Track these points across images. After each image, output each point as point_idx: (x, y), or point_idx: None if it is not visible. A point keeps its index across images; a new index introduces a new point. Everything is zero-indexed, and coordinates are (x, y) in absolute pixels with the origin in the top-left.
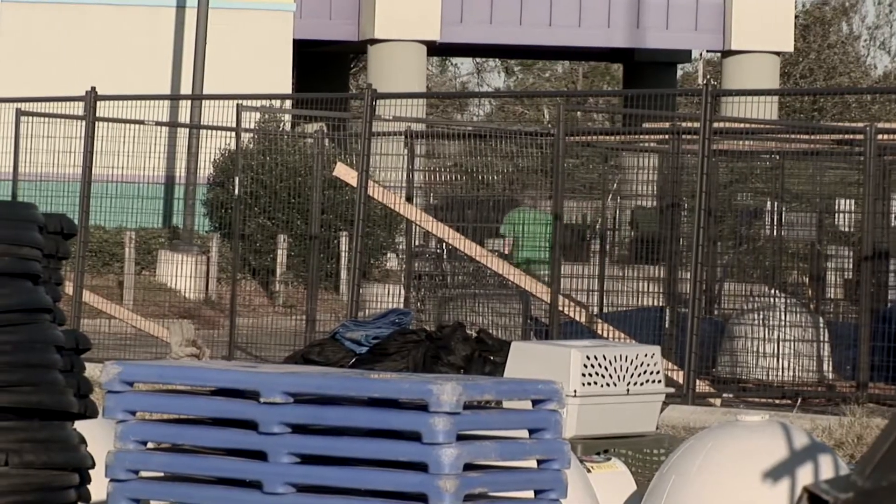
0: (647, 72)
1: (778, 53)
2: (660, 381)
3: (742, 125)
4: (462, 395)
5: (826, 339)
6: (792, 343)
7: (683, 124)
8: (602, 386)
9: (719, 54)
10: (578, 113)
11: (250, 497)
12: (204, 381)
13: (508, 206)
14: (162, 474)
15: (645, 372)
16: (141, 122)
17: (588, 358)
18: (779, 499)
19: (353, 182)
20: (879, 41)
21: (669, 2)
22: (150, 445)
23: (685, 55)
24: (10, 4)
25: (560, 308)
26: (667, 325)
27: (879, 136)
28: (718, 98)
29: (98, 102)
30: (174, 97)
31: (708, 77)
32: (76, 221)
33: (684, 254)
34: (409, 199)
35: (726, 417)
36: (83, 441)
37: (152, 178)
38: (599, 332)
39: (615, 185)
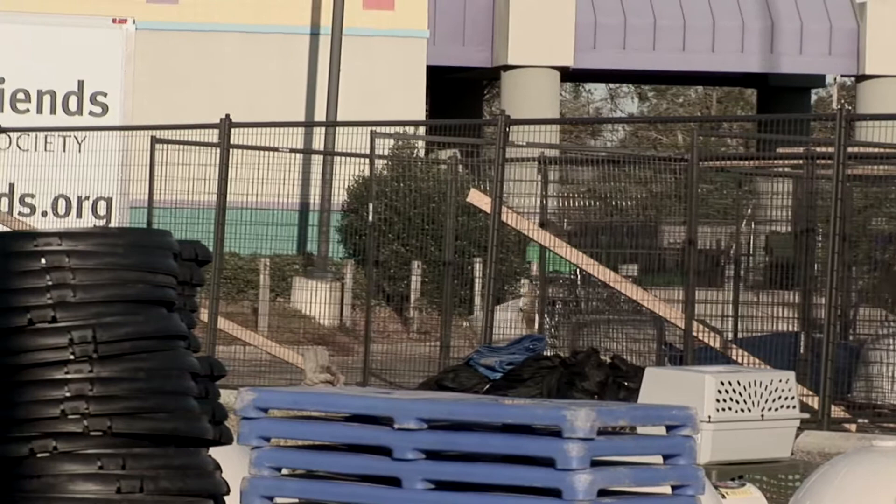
0: (781, 96)
1: None
2: (794, 407)
3: (877, 150)
4: (596, 421)
5: None
6: None
7: (818, 149)
8: (736, 412)
9: (853, 79)
10: (712, 138)
11: None
12: (338, 407)
13: (642, 231)
14: (296, 501)
15: (780, 397)
16: (275, 149)
17: (722, 384)
18: None
19: (487, 208)
20: None
21: (803, 27)
22: (284, 472)
23: (819, 80)
24: (144, 32)
25: (694, 334)
26: (801, 351)
27: None
28: (853, 122)
29: (232, 129)
30: (308, 124)
31: (842, 101)
32: (211, 248)
33: (819, 279)
34: (542, 225)
35: (861, 443)
36: (218, 467)
37: (287, 205)
38: (734, 357)
39: (749, 210)
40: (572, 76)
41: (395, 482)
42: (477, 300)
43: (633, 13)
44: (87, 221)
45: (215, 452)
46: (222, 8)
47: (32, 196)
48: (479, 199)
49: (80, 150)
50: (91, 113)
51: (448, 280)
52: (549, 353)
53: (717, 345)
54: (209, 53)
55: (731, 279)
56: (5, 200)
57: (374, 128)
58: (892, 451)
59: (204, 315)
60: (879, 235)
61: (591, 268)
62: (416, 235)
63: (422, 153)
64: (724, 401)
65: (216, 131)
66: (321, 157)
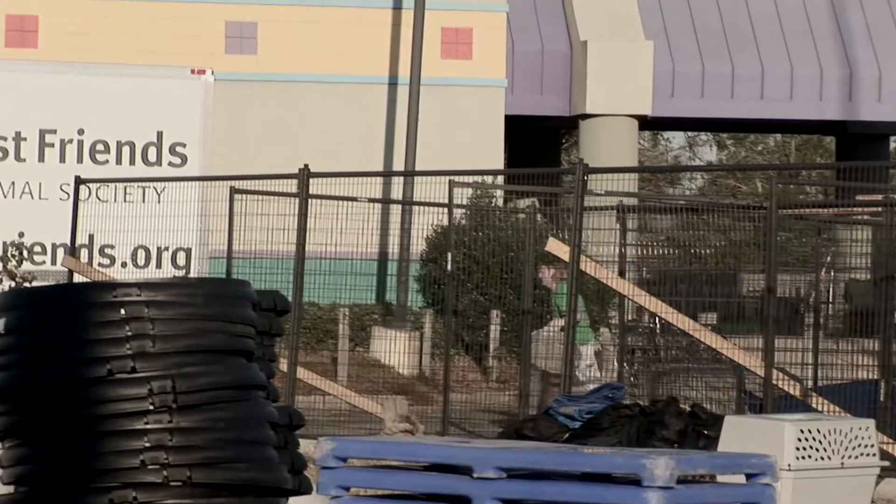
0: (859, 144)
1: None
2: (874, 455)
3: None
4: (675, 470)
5: None
6: None
7: None
8: (816, 460)
9: None
10: (791, 185)
11: None
12: (417, 456)
13: (722, 279)
14: None
15: (859, 445)
16: (354, 199)
17: (802, 432)
18: None
19: (566, 257)
20: None
21: (882, 75)
22: None
23: None
24: (223, 83)
25: (774, 382)
26: (881, 398)
27: None
28: None
29: (311, 179)
30: (387, 174)
31: None
32: (290, 298)
33: None
34: (621, 274)
35: None
36: None
37: (365, 255)
38: (814, 405)
39: (828, 257)
40: (650, 124)
41: None
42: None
43: (711, 61)
44: (167, 272)
45: (295, 502)
46: (301, 58)
47: (112, 247)
48: (557, 248)
49: (159, 201)
50: (170, 164)
51: (527, 329)
52: (628, 402)
53: (797, 393)
54: (288, 103)
55: (811, 327)
56: (85, 251)
57: (452, 177)
58: None
59: (283, 365)
60: None
61: (671, 316)
62: (495, 284)
63: (500, 202)
64: (804, 449)
65: (295, 181)
66: (400, 206)
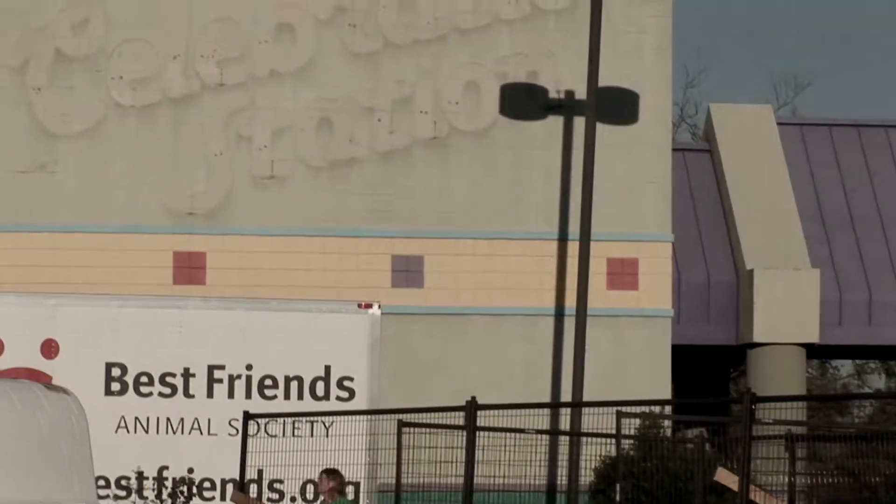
0: None
1: None
2: None
3: None
4: None
5: None
6: None
7: None
8: None
9: None
10: None
11: None
12: None
13: None
14: None
15: None
16: (521, 431)
17: None
18: None
19: (735, 487)
20: None
21: None
22: None
23: None
24: (390, 316)
25: None
26: None
27: None
28: None
29: (478, 411)
30: (554, 405)
31: None
32: None
33: None
34: (791, 503)
35: None
36: None
37: (533, 486)
38: None
39: None
40: (818, 352)
41: None
42: None
43: (879, 290)
44: None
45: None
46: (468, 292)
47: (281, 482)
48: (726, 478)
49: (327, 435)
50: (338, 398)
51: None
52: None
53: None
54: (454, 336)
55: None
56: (254, 486)
57: (619, 407)
58: None
59: None
60: None
61: None
62: None
63: (668, 432)
64: None
65: (462, 413)
66: (567, 437)
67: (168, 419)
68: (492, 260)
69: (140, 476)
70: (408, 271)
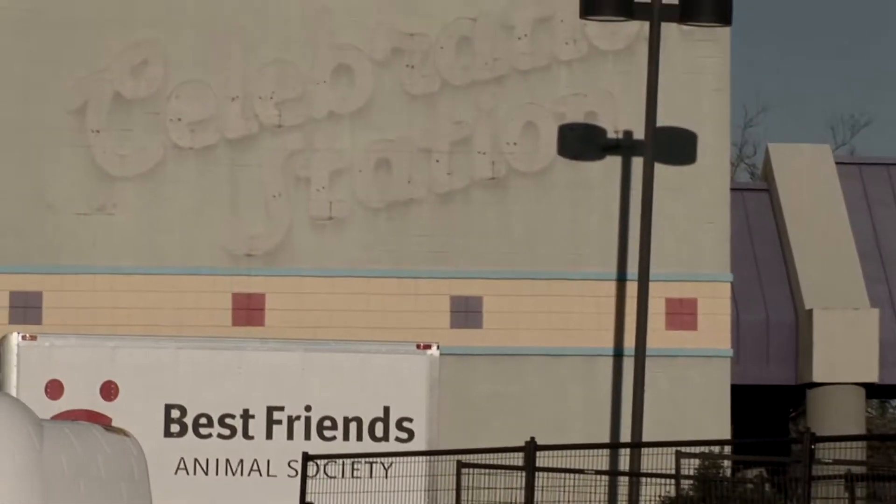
0: None
1: None
2: None
3: None
4: None
5: None
6: None
7: None
8: None
9: None
10: None
11: None
12: None
13: None
14: None
15: None
16: (581, 472)
17: None
18: None
19: None
20: None
21: None
22: None
23: None
24: (449, 357)
25: None
26: None
27: None
28: None
29: (537, 452)
30: (614, 445)
31: None
32: None
33: None
34: None
35: None
36: None
37: None
38: None
39: None
40: (878, 392)
41: None
42: None
43: None
44: None
45: None
46: (526, 332)
47: None
48: None
49: (386, 476)
50: (397, 439)
51: None
52: None
53: None
54: (513, 376)
55: None
56: None
57: (679, 448)
58: None
59: None
60: None
61: None
62: None
63: (728, 472)
64: None
65: (521, 454)
66: (627, 478)
67: (227, 460)
68: (550, 300)
69: None
70: (466, 312)
